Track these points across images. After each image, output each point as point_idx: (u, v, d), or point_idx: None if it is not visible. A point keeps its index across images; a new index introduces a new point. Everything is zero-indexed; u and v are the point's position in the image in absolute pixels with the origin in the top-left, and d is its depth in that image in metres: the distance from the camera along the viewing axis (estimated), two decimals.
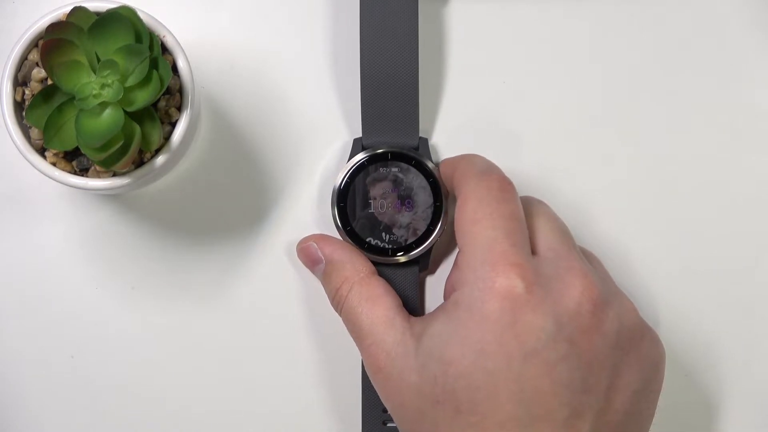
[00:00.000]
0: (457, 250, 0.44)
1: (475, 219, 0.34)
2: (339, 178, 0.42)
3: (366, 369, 0.37)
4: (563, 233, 0.36)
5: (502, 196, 0.35)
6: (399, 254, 0.42)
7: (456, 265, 0.36)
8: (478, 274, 0.33)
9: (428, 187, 0.42)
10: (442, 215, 0.42)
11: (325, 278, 0.40)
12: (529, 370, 0.31)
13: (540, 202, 0.39)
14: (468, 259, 0.34)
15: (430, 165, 0.42)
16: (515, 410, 0.31)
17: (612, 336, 0.33)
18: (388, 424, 0.42)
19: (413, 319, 0.36)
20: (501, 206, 0.35)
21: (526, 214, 0.36)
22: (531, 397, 0.31)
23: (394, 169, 0.42)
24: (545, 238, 0.35)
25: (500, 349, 0.31)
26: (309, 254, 0.41)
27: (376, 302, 0.37)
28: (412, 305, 0.42)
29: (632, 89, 0.45)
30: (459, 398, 0.32)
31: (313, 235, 0.42)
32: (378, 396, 0.42)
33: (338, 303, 0.39)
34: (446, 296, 0.38)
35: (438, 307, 0.36)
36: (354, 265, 0.38)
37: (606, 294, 0.34)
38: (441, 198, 0.42)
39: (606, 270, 0.39)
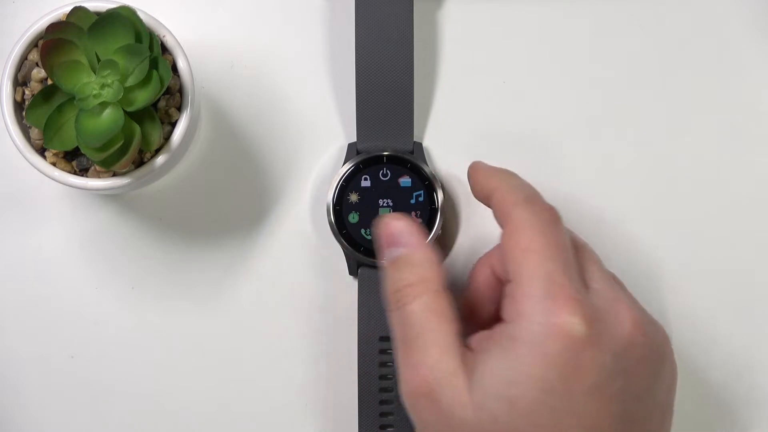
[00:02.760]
0: (455, 247, 0.44)
1: (531, 249, 0.33)
2: (335, 180, 0.42)
3: (403, 384, 0.34)
4: (599, 263, 0.36)
5: (555, 227, 0.34)
6: None
7: (509, 296, 0.33)
8: (537, 308, 0.32)
9: (423, 191, 0.42)
10: (438, 218, 0.42)
11: (397, 266, 0.35)
12: (590, 406, 0.31)
13: (569, 231, 0.37)
14: (525, 291, 0.32)
15: (425, 169, 0.42)
16: None
17: (655, 363, 0.34)
18: (388, 430, 0.42)
19: (465, 350, 0.34)
20: (556, 236, 0.33)
21: None
22: None
23: (390, 173, 0.42)
24: (592, 269, 0.35)
25: (564, 386, 0.31)
26: (394, 234, 0.36)
27: (441, 321, 0.34)
28: None
29: (632, 89, 0.45)
30: None
31: (405, 216, 0.37)
32: (375, 397, 0.42)
33: (398, 300, 0.35)
34: (479, 318, 0.37)
35: (488, 339, 0.33)
36: (434, 272, 0.35)
37: (647, 322, 0.34)
38: (436, 201, 0.42)
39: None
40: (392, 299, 0.35)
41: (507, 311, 0.33)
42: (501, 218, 0.35)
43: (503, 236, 0.34)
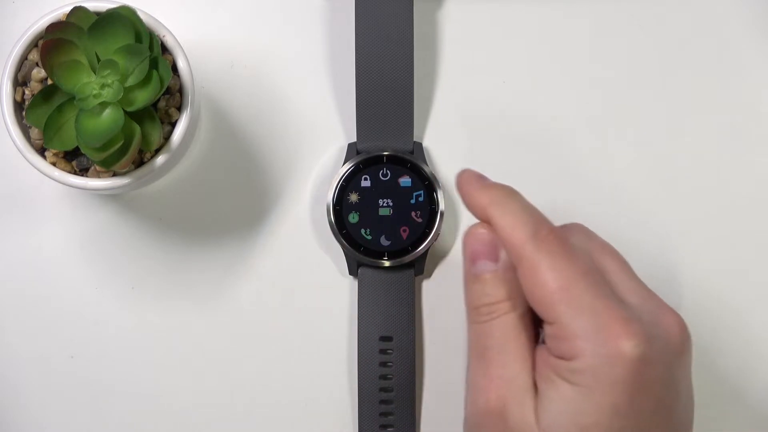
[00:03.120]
0: (450, 254, 0.44)
1: (562, 287, 0.32)
2: (335, 181, 0.42)
3: (476, 397, 0.34)
4: (624, 267, 0.35)
5: (571, 254, 0.33)
6: (394, 258, 0.42)
7: (556, 337, 0.32)
8: (594, 343, 0.31)
9: (423, 191, 0.42)
10: (437, 219, 0.42)
11: (484, 281, 0.34)
12: (656, 420, 0.32)
13: (582, 232, 0.36)
14: (574, 331, 0.32)
15: (425, 169, 0.42)
16: None
17: (689, 354, 0.34)
18: (388, 430, 0.42)
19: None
20: (577, 265, 0.32)
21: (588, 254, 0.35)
22: None
23: (390, 173, 0.42)
24: (620, 279, 0.34)
25: (632, 408, 0.31)
26: (486, 245, 0.35)
27: (524, 340, 0.34)
28: (408, 309, 0.42)
29: (632, 89, 0.45)
30: None
31: (491, 229, 0.34)
32: (375, 397, 0.42)
33: (484, 314, 0.34)
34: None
35: (550, 369, 0.33)
36: (521, 293, 0.34)
37: (681, 318, 0.34)
38: (436, 201, 0.42)
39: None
40: (475, 313, 0.35)
41: (560, 350, 0.32)
42: (511, 257, 0.34)
43: (522, 278, 0.33)
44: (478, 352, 0.34)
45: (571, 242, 0.34)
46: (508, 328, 0.34)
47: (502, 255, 0.34)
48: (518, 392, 0.33)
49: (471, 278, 0.35)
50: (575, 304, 0.32)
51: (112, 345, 0.44)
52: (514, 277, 0.34)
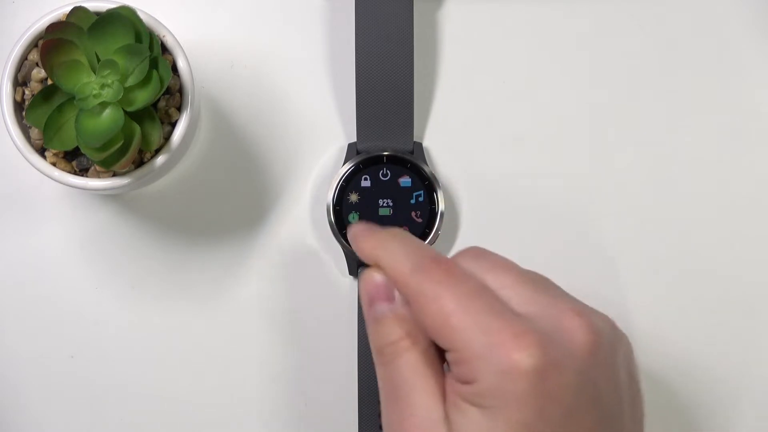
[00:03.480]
0: None
1: (450, 312, 0.32)
2: (335, 180, 0.42)
3: None
4: (514, 272, 0.35)
5: (456, 278, 0.33)
6: None
7: (456, 363, 0.33)
8: (489, 362, 0.31)
9: (423, 191, 0.42)
10: (437, 219, 0.42)
11: (382, 322, 0.35)
12: (570, 428, 0.32)
13: (473, 254, 0.36)
14: (469, 355, 0.32)
15: (425, 169, 0.42)
16: None
17: (612, 355, 0.33)
18: None
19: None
20: (461, 289, 0.32)
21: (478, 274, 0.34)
22: None
23: (390, 173, 0.42)
24: (515, 292, 0.34)
25: (541, 419, 0.31)
26: (378, 288, 0.35)
27: (431, 374, 0.33)
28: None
29: (632, 89, 0.45)
30: None
31: (379, 270, 0.35)
32: (375, 397, 0.42)
33: (387, 355, 0.34)
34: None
35: (452, 409, 0.33)
36: (419, 327, 0.34)
37: (592, 318, 0.34)
38: (436, 202, 0.42)
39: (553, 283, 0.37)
40: (380, 355, 0.35)
41: (461, 375, 0.32)
42: (402, 293, 0.34)
43: (415, 312, 0.33)
44: (388, 394, 0.34)
45: (461, 266, 0.34)
46: (412, 365, 0.33)
47: (396, 295, 0.35)
48: (433, 427, 0.32)
49: (371, 321, 0.35)
50: (466, 326, 0.32)
51: (112, 345, 0.44)
52: (410, 313, 0.34)
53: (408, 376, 0.34)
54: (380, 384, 0.35)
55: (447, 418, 0.33)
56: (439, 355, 0.34)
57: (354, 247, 0.36)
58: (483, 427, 0.32)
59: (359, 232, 0.36)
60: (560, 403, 0.31)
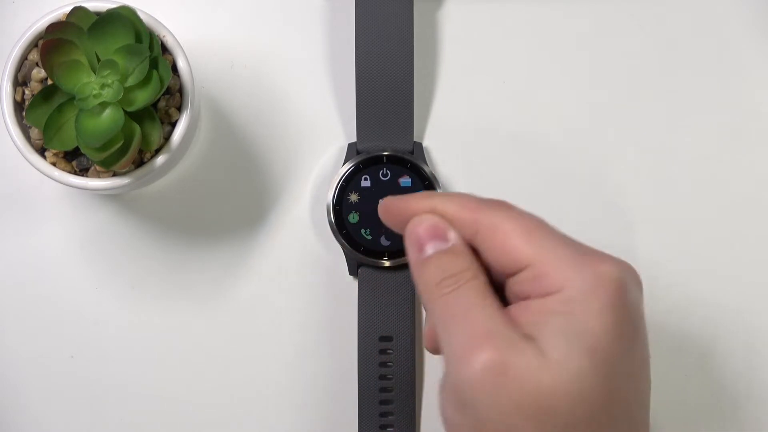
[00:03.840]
0: None
1: (526, 232, 0.33)
2: (335, 181, 0.42)
3: (459, 360, 0.32)
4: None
5: (520, 209, 0.34)
6: (394, 258, 0.42)
7: (530, 280, 0.33)
8: (578, 269, 0.32)
9: (423, 191, 0.42)
10: None
11: (440, 258, 0.34)
12: (645, 331, 0.33)
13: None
14: (554, 263, 0.33)
15: (425, 169, 0.42)
16: None
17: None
18: (388, 430, 0.42)
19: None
20: (529, 216, 0.34)
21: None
22: None
23: (390, 173, 0.42)
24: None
25: (631, 323, 0.32)
26: (436, 227, 0.35)
27: (495, 300, 0.34)
28: (408, 309, 0.42)
29: (632, 89, 0.45)
30: None
31: (433, 212, 0.35)
32: (375, 397, 0.42)
33: (446, 287, 0.34)
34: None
35: (533, 327, 0.33)
36: (477, 263, 0.35)
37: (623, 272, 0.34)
38: None
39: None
40: (437, 288, 0.34)
41: (543, 287, 0.33)
42: (467, 230, 0.35)
43: (485, 242, 0.34)
44: (452, 320, 0.33)
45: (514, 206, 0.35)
46: (479, 290, 0.34)
47: (452, 235, 0.35)
48: (513, 342, 0.32)
49: (423, 262, 0.35)
50: (545, 243, 0.33)
51: (112, 345, 0.44)
52: (470, 251, 0.34)
53: (477, 298, 0.34)
54: (439, 320, 0.34)
55: (523, 338, 0.32)
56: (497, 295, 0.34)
57: (394, 210, 0.36)
58: (573, 331, 0.32)
59: (396, 198, 0.36)
60: (639, 312, 0.33)
